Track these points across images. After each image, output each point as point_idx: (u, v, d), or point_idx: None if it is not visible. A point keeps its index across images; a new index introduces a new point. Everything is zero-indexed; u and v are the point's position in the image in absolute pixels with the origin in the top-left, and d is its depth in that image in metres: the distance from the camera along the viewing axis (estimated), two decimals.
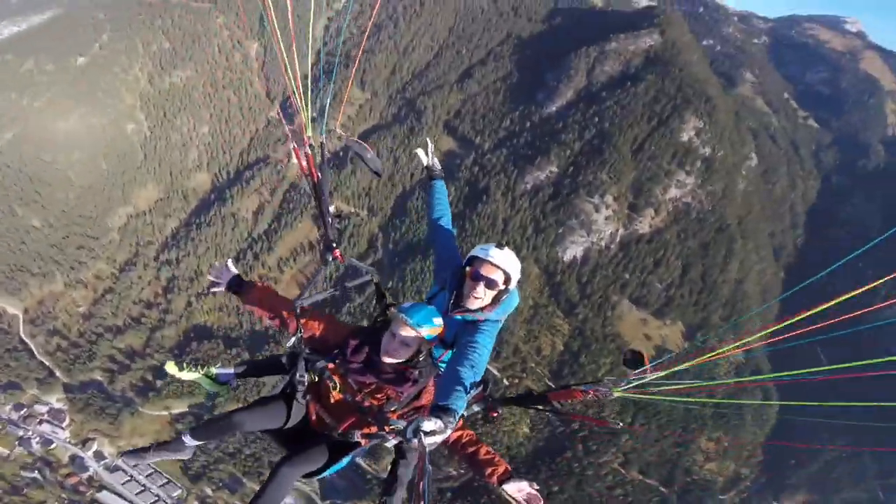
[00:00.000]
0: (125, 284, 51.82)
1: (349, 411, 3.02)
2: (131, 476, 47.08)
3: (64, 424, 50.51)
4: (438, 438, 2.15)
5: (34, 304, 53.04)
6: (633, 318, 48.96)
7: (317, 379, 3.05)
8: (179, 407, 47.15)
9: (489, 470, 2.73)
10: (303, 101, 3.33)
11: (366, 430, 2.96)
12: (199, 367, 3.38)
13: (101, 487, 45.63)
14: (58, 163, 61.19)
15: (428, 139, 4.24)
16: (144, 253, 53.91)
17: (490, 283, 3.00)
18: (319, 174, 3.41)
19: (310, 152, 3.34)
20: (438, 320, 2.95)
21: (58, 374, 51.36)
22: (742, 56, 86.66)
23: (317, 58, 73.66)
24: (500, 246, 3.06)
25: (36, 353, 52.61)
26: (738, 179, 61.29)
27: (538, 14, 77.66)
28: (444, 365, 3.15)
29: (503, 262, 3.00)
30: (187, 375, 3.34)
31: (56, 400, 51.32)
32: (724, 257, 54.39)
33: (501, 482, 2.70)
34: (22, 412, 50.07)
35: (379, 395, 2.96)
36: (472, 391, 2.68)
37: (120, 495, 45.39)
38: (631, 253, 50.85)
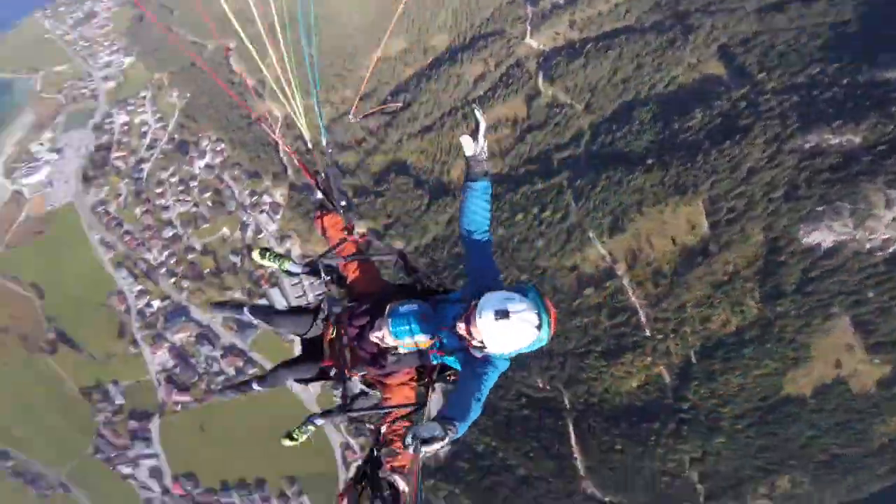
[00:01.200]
0: (360, 114, 59.22)
1: (335, 354, 3.36)
2: (299, 280, 56.49)
3: (276, 218, 61.44)
4: (438, 446, 2.11)
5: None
6: (839, 340, 35.97)
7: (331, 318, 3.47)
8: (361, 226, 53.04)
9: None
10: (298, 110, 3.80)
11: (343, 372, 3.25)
12: (277, 259, 3.87)
13: (275, 284, 55.52)
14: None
15: (480, 116, 2.71)
16: (380, 90, 60.08)
17: (475, 338, 2.63)
18: (324, 176, 4.11)
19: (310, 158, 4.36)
20: (421, 338, 2.80)
21: (289, 171, 62.75)
22: None
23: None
24: (502, 315, 2.37)
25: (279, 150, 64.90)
26: None
27: None
28: (436, 360, 2.95)
29: (488, 335, 2.44)
30: (267, 263, 3.90)
31: (279, 195, 63.06)
32: None
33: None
34: (253, 199, 62.66)
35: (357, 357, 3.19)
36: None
37: (285, 297, 55.09)
38: None
